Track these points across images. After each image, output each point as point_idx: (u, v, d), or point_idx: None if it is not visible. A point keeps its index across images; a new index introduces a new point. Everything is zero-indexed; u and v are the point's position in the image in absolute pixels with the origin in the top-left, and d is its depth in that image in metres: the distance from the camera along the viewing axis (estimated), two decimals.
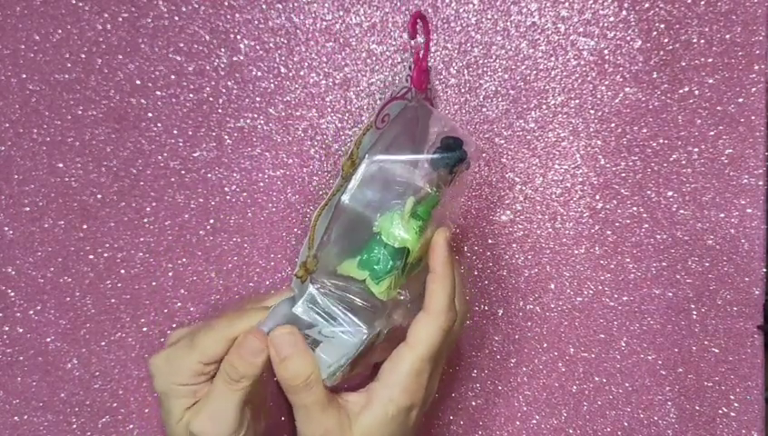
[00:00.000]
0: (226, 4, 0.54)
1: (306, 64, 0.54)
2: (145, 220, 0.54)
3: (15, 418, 0.54)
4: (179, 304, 0.54)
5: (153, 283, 0.54)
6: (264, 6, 0.54)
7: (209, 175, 0.54)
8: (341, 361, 0.40)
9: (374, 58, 0.54)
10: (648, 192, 0.54)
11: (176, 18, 0.54)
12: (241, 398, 0.39)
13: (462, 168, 0.40)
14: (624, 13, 0.54)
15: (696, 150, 0.54)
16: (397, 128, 0.40)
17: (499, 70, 0.54)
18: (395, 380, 0.38)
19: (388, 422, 0.38)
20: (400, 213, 0.39)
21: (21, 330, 0.54)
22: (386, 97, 0.39)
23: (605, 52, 0.54)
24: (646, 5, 0.54)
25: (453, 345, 0.46)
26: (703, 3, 0.53)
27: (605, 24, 0.54)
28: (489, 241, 0.54)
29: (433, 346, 0.38)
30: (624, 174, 0.54)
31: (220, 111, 0.54)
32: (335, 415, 0.38)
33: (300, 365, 0.39)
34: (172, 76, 0.54)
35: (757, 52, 0.53)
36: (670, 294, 0.54)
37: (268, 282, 0.54)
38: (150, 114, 0.54)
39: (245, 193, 0.54)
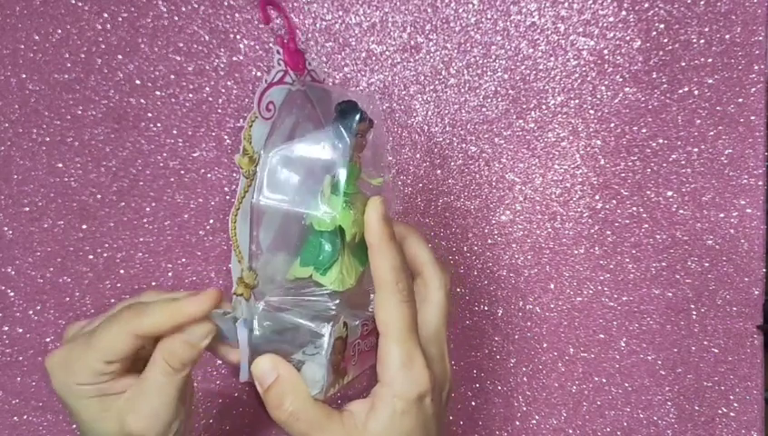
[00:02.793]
0: (226, 4, 0.54)
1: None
2: (145, 220, 0.54)
3: (15, 418, 0.54)
4: None
5: (153, 283, 0.54)
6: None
7: (208, 175, 0.54)
8: (322, 368, 0.37)
9: (374, 58, 0.54)
10: (648, 192, 0.54)
11: (176, 18, 0.54)
12: (180, 387, 0.37)
13: (365, 126, 0.37)
14: (623, 13, 0.54)
15: (696, 150, 0.54)
16: (291, 117, 0.38)
17: (499, 70, 0.54)
18: (390, 375, 0.35)
19: (400, 419, 0.35)
20: (322, 194, 0.37)
21: (21, 330, 0.54)
22: (262, 84, 0.37)
23: (605, 52, 0.54)
24: (646, 5, 0.54)
25: (451, 309, 0.42)
26: (702, 3, 0.53)
27: (605, 25, 0.54)
28: (489, 241, 0.54)
29: (403, 322, 0.35)
30: (623, 174, 0.54)
31: (219, 111, 0.54)
32: (339, 430, 0.35)
33: (282, 389, 0.36)
34: (172, 76, 0.54)
35: (757, 52, 0.53)
36: (669, 294, 0.54)
37: None
38: (149, 114, 0.54)
39: None
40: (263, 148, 0.37)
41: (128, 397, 0.37)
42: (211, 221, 0.54)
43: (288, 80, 0.38)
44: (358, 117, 0.36)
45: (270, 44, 0.54)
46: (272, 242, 0.40)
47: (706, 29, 0.53)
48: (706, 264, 0.54)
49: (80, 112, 0.54)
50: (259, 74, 0.54)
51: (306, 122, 0.40)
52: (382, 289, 0.36)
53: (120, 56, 0.54)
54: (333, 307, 0.38)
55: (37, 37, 0.54)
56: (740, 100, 0.53)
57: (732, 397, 0.53)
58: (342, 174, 0.36)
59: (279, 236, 0.40)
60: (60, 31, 0.54)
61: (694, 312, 0.54)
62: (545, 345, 0.54)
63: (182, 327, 0.37)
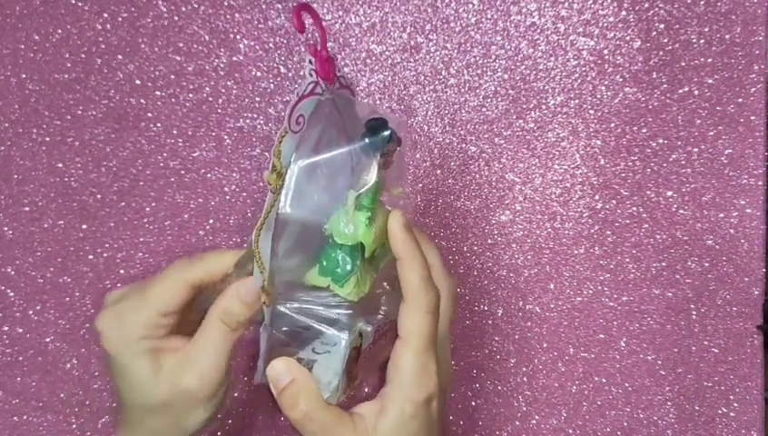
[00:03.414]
0: (226, 4, 0.54)
1: (305, 63, 0.54)
2: (145, 220, 0.54)
3: (15, 418, 0.54)
4: None
5: None
6: (264, 6, 0.54)
7: (208, 175, 0.54)
8: (336, 376, 0.39)
9: (374, 58, 0.54)
10: (648, 192, 0.54)
11: (176, 18, 0.54)
12: (231, 349, 0.38)
13: (393, 147, 0.38)
14: (623, 13, 0.54)
15: (696, 150, 0.54)
16: (318, 126, 0.38)
17: (499, 70, 0.54)
18: (402, 379, 0.36)
19: (409, 422, 0.36)
20: (345, 209, 0.37)
21: (21, 330, 0.54)
22: (294, 98, 0.37)
23: (605, 52, 0.54)
24: (646, 5, 0.54)
25: (455, 316, 0.44)
26: (702, 3, 0.53)
27: (605, 25, 0.54)
28: (489, 241, 0.54)
29: (425, 332, 0.36)
30: (623, 174, 0.54)
31: (219, 111, 0.54)
32: (350, 432, 0.36)
33: (297, 391, 0.37)
34: (172, 76, 0.54)
35: (757, 52, 0.53)
36: (669, 294, 0.54)
37: None
38: (149, 114, 0.54)
39: (245, 193, 0.54)
40: (291, 160, 0.37)
41: (183, 356, 0.38)
42: (211, 221, 0.54)
43: (318, 90, 0.38)
44: (387, 136, 0.37)
45: (271, 45, 0.54)
46: (291, 247, 0.40)
47: (706, 29, 0.53)
48: (706, 264, 0.54)
49: (80, 112, 0.54)
50: (259, 74, 0.54)
51: (331, 129, 0.40)
52: (409, 299, 0.37)
53: (120, 56, 0.54)
54: (349, 316, 0.39)
55: (37, 37, 0.54)
56: (740, 100, 0.53)
57: (732, 397, 0.53)
58: (369, 190, 0.37)
59: (298, 243, 0.40)
60: (60, 31, 0.54)
61: (694, 312, 0.54)
62: (545, 345, 0.54)
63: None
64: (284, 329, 0.40)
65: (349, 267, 0.38)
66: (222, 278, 0.40)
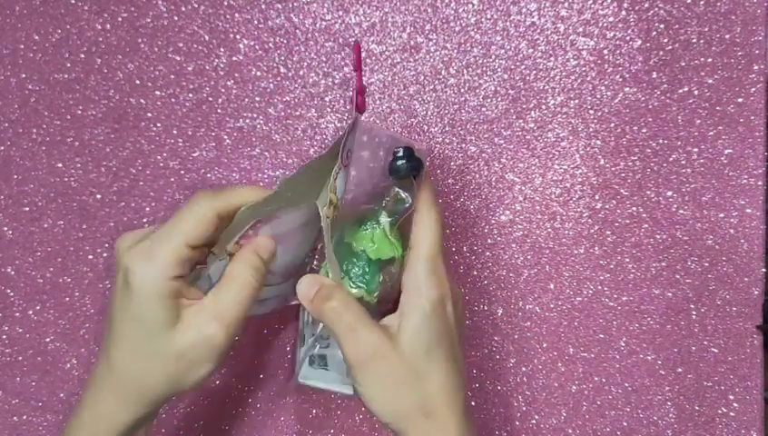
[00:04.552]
0: (225, 4, 0.54)
1: (305, 63, 0.54)
2: (145, 220, 0.54)
3: (15, 418, 0.54)
4: None
5: None
6: (263, 6, 0.54)
7: (208, 175, 0.54)
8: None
9: (373, 58, 0.54)
10: (648, 192, 0.54)
11: (175, 18, 0.54)
12: (255, 295, 0.39)
13: (422, 173, 0.41)
14: (623, 13, 0.54)
15: (696, 150, 0.54)
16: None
17: (499, 70, 0.54)
18: (418, 283, 0.39)
19: (429, 319, 0.38)
20: (381, 230, 0.40)
21: (20, 330, 0.54)
22: (345, 137, 0.39)
23: (605, 52, 0.54)
24: (646, 5, 0.54)
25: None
26: (702, 3, 0.53)
27: (605, 24, 0.54)
28: (489, 241, 0.54)
29: (434, 240, 0.40)
30: (623, 174, 0.54)
31: (219, 111, 0.54)
32: (381, 333, 0.38)
33: (329, 291, 0.39)
34: (172, 76, 0.54)
35: (756, 52, 0.53)
36: (669, 294, 0.54)
37: None
38: (149, 114, 0.54)
39: None
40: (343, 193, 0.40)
41: (209, 305, 0.38)
42: None
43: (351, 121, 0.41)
44: (417, 166, 0.39)
45: (270, 45, 0.54)
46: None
47: (706, 29, 0.53)
48: (706, 264, 0.54)
49: (80, 112, 0.54)
50: (259, 73, 0.54)
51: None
52: (422, 206, 0.40)
53: (120, 56, 0.54)
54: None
55: (37, 37, 0.54)
56: (740, 100, 0.53)
57: (732, 397, 0.53)
58: (399, 210, 0.40)
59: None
60: (60, 31, 0.54)
61: (694, 312, 0.54)
62: (544, 345, 0.54)
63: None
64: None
65: (380, 281, 0.41)
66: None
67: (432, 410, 0.38)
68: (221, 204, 0.39)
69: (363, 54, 0.54)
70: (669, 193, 0.54)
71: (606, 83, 0.54)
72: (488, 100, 0.54)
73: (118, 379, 0.39)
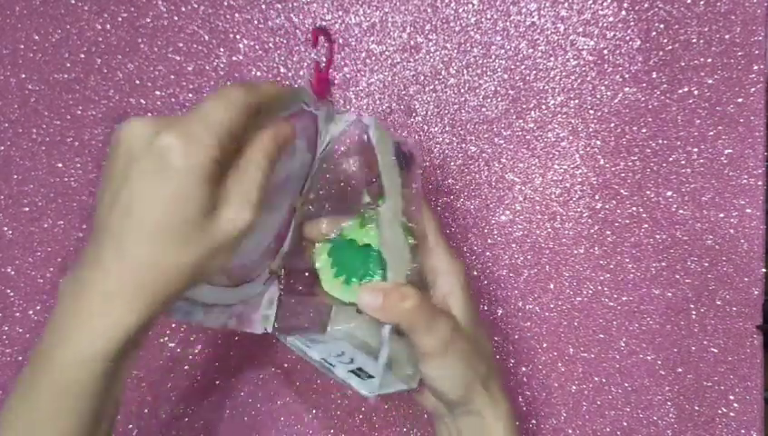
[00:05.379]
0: (225, 4, 0.54)
1: (306, 63, 0.54)
2: None
3: None
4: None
5: None
6: (263, 6, 0.54)
7: None
8: (408, 366, 0.42)
9: (374, 58, 0.54)
10: (647, 192, 0.54)
11: (175, 18, 0.54)
12: (265, 184, 0.36)
13: (413, 166, 0.42)
14: (623, 13, 0.54)
15: (696, 150, 0.54)
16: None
17: (499, 70, 0.54)
18: (445, 263, 0.42)
19: (467, 291, 0.41)
20: (386, 222, 0.40)
21: (20, 330, 0.54)
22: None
23: (605, 52, 0.54)
24: (646, 5, 0.54)
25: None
26: (702, 3, 0.53)
27: (605, 24, 0.54)
28: (489, 241, 0.54)
29: (438, 225, 0.43)
30: (623, 174, 0.54)
31: None
32: (450, 316, 0.40)
33: (402, 292, 0.39)
34: (172, 76, 0.54)
35: (756, 52, 0.53)
36: (669, 294, 0.54)
37: None
38: (149, 114, 0.54)
39: None
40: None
41: (234, 182, 0.35)
42: None
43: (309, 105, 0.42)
44: (406, 160, 0.41)
45: (270, 45, 0.54)
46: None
47: (706, 29, 0.53)
48: (706, 264, 0.54)
49: (80, 112, 0.54)
50: (259, 73, 0.54)
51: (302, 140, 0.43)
52: (424, 205, 0.43)
53: (120, 56, 0.54)
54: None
55: (37, 37, 0.54)
56: (740, 100, 0.53)
57: (732, 397, 0.53)
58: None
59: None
60: (60, 31, 0.54)
61: (694, 312, 0.54)
62: (544, 345, 0.54)
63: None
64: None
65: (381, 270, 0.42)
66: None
67: (489, 373, 0.41)
68: (251, 98, 0.35)
69: (363, 54, 0.54)
70: (669, 193, 0.54)
71: (606, 83, 0.54)
72: (488, 100, 0.54)
73: (130, 272, 0.32)
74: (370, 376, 0.41)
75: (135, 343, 0.33)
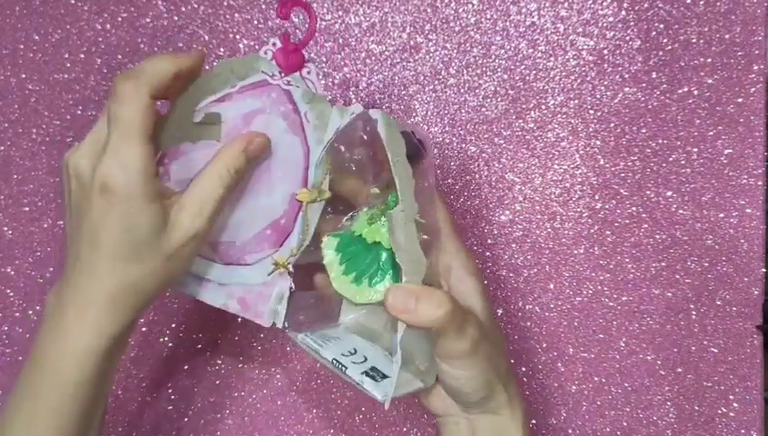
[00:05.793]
0: (226, 4, 0.54)
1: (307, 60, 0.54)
2: None
3: None
4: (177, 304, 0.54)
5: None
6: (263, 6, 0.54)
7: None
8: (424, 359, 0.41)
9: (373, 58, 0.54)
10: (647, 192, 0.54)
11: (175, 18, 0.54)
12: (226, 196, 0.39)
13: (426, 157, 0.42)
14: (623, 13, 0.54)
15: (695, 150, 0.54)
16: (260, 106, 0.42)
17: (499, 70, 0.54)
18: (460, 261, 0.42)
19: (482, 288, 0.42)
20: (398, 219, 0.39)
21: (20, 330, 0.54)
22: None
23: (605, 52, 0.54)
24: (645, 5, 0.54)
25: None
26: (702, 3, 0.54)
27: (605, 24, 0.54)
28: (489, 241, 0.54)
29: (451, 223, 0.43)
30: (623, 174, 0.54)
31: None
32: (473, 319, 0.39)
33: (434, 295, 0.38)
34: None
35: (756, 52, 0.53)
36: (669, 294, 0.54)
37: None
38: None
39: None
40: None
41: (190, 201, 0.39)
42: None
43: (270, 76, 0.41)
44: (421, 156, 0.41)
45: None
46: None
47: (706, 29, 0.53)
48: (706, 264, 0.54)
49: (80, 112, 0.54)
50: None
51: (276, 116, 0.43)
52: (437, 200, 0.43)
53: (120, 56, 0.54)
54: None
55: (37, 37, 0.54)
56: (740, 100, 0.53)
57: (732, 397, 0.53)
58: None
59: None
60: (60, 31, 0.54)
61: (694, 312, 0.54)
62: (544, 345, 0.54)
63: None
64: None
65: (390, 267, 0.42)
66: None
67: (508, 372, 0.41)
68: (148, 87, 0.37)
69: (363, 54, 0.54)
70: (669, 193, 0.54)
71: (606, 83, 0.54)
72: (488, 100, 0.54)
73: (105, 291, 0.37)
74: (385, 376, 0.39)
75: (117, 342, 0.38)
